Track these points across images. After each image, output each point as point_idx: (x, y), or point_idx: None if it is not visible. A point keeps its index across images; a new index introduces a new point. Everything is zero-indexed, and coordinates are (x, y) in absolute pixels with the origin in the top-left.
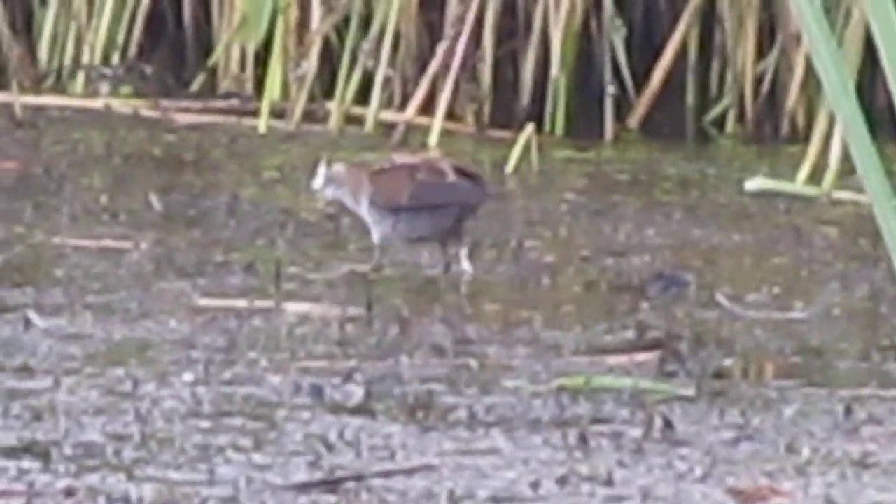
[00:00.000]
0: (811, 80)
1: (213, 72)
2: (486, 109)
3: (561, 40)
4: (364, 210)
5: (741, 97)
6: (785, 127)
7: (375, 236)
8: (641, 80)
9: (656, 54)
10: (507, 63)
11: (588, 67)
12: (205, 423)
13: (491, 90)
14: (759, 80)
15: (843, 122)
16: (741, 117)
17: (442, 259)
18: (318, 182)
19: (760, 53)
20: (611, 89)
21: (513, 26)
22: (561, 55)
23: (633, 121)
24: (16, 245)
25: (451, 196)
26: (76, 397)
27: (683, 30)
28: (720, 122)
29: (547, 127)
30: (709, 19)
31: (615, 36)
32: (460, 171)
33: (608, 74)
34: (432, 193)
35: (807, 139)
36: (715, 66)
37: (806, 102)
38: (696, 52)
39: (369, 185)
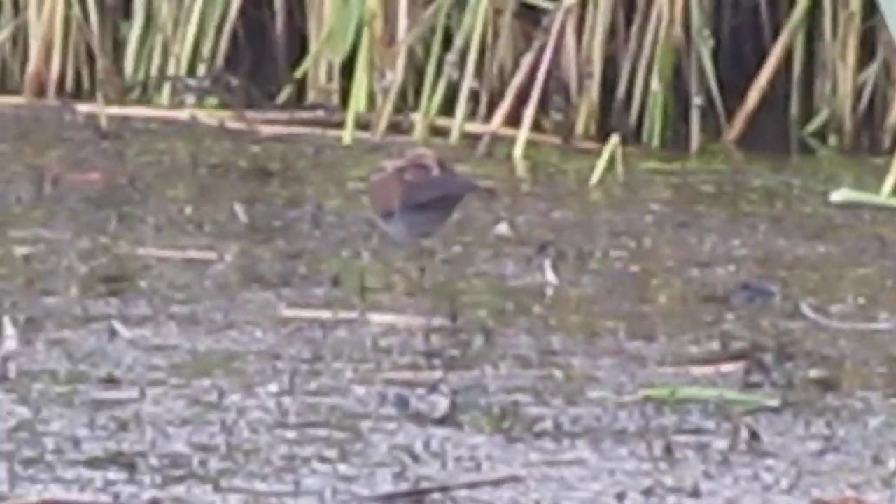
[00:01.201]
0: None
1: (299, 83)
2: (577, 121)
3: (660, 54)
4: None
5: (841, 110)
6: (886, 140)
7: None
8: (731, 92)
9: (745, 66)
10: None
11: (677, 80)
12: (290, 434)
13: (579, 102)
14: (859, 93)
15: None
16: (840, 130)
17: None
18: None
19: (862, 65)
20: (697, 101)
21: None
22: (659, 68)
23: (731, 133)
24: (100, 256)
25: (439, 190)
26: (161, 408)
27: (785, 41)
28: (821, 135)
29: (645, 138)
30: (810, 32)
31: (703, 48)
32: (443, 164)
33: (695, 86)
34: (421, 192)
35: (893, 151)
36: (816, 78)
37: None
38: (801, 64)
39: (370, 195)
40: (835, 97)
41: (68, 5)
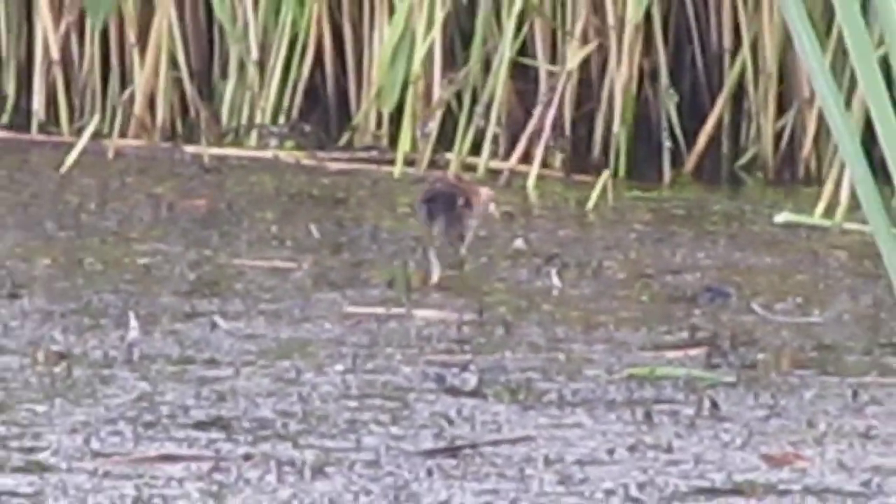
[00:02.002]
0: (821, 135)
1: (356, 130)
2: (570, 159)
3: (621, 105)
4: None
5: (765, 150)
6: (800, 172)
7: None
8: (690, 136)
9: (701, 115)
10: (585, 123)
11: (650, 126)
12: (352, 403)
13: (572, 145)
14: (778, 136)
15: (850, 169)
16: (764, 165)
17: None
18: None
19: (780, 114)
20: (667, 143)
21: (589, 94)
22: (622, 115)
23: (687, 167)
24: (205, 265)
25: (431, 192)
26: (252, 383)
27: (724, 97)
28: (749, 168)
29: (616, 173)
30: (739, 90)
31: (669, 102)
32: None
33: (664, 132)
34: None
35: (819, 182)
36: (745, 125)
37: (816, 153)
38: (730, 115)
39: None
40: (759, 140)
41: (175, 67)
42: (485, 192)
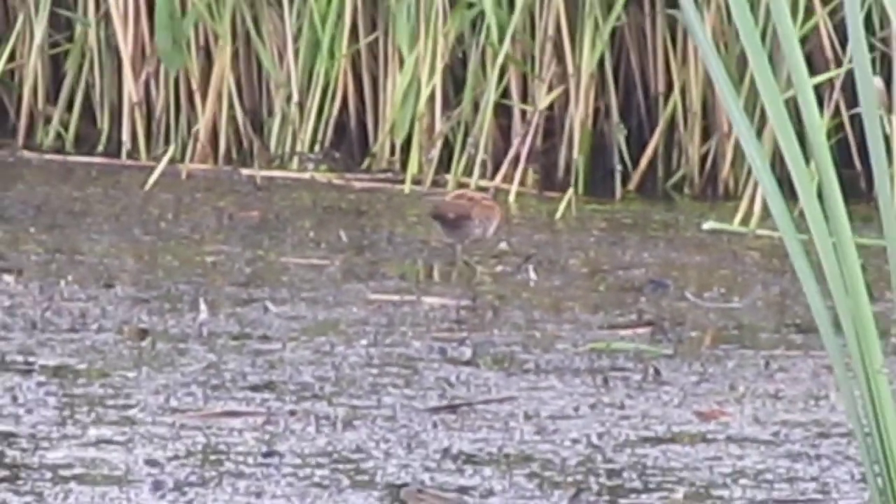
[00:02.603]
0: (737, 160)
1: (375, 156)
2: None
3: (579, 137)
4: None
5: (691, 171)
6: (720, 190)
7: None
8: (635, 161)
9: (642, 145)
10: (554, 151)
11: (604, 153)
12: (374, 371)
13: (543, 168)
14: (703, 161)
15: (763, 186)
16: (691, 184)
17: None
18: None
19: (704, 143)
20: (618, 167)
21: (555, 128)
22: (580, 145)
23: (632, 186)
24: (258, 262)
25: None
26: (296, 355)
27: (660, 130)
28: (679, 187)
29: (577, 191)
30: (672, 125)
31: (619, 134)
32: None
33: (616, 158)
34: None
35: (737, 197)
36: (676, 152)
37: (733, 174)
38: (664, 144)
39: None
40: (687, 163)
41: (232, 107)
42: (497, 210)
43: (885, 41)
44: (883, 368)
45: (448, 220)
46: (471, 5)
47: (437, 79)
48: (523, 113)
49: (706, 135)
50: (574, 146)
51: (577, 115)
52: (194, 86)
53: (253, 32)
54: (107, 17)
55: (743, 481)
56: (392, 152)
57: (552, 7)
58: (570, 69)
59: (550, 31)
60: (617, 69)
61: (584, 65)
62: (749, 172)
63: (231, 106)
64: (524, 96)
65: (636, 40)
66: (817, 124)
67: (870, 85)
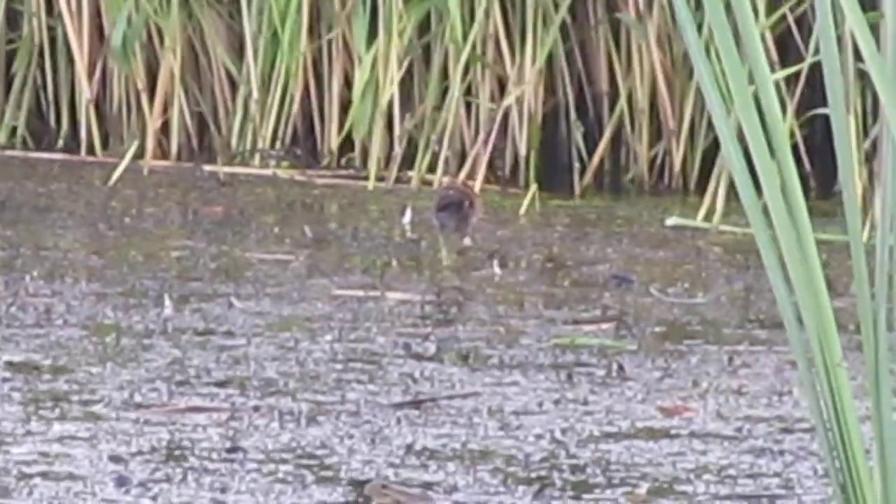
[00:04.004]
0: (687, 158)
1: (336, 154)
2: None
3: (528, 134)
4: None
5: (641, 169)
6: (672, 185)
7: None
8: (588, 159)
9: (594, 143)
10: (514, 148)
11: (563, 150)
12: (338, 366)
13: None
14: (652, 161)
15: (737, 178)
16: (642, 181)
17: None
18: (406, 219)
19: (652, 144)
20: (578, 165)
21: (518, 126)
22: (529, 142)
23: (587, 182)
24: (223, 257)
25: (444, 199)
26: (260, 350)
27: (610, 129)
28: (630, 184)
29: (541, 187)
30: (621, 125)
31: (577, 133)
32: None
33: (574, 155)
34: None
35: (702, 194)
36: (625, 152)
37: (684, 172)
38: (611, 145)
39: None
40: (636, 164)
41: (198, 105)
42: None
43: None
44: (843, 362)
45: (456, 210)
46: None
47: (397, 74)
48: (487, 110)
49: (657, 133)
50: (532, 144)
51: (535, 112)
52: (142, 85)
53: (210, 30)
54: (59, 15)
55: (706, 477)
56: (353, 149)
57: (493, 6)
58: (517, 67)
59: (500, 29)
60: (571, 71)
61: (538, 62)
62: (710, 170)
63: (198, 103)
64: (489, 94)
65: (582, 38)
66: (778, 117)
67: (838, 81)
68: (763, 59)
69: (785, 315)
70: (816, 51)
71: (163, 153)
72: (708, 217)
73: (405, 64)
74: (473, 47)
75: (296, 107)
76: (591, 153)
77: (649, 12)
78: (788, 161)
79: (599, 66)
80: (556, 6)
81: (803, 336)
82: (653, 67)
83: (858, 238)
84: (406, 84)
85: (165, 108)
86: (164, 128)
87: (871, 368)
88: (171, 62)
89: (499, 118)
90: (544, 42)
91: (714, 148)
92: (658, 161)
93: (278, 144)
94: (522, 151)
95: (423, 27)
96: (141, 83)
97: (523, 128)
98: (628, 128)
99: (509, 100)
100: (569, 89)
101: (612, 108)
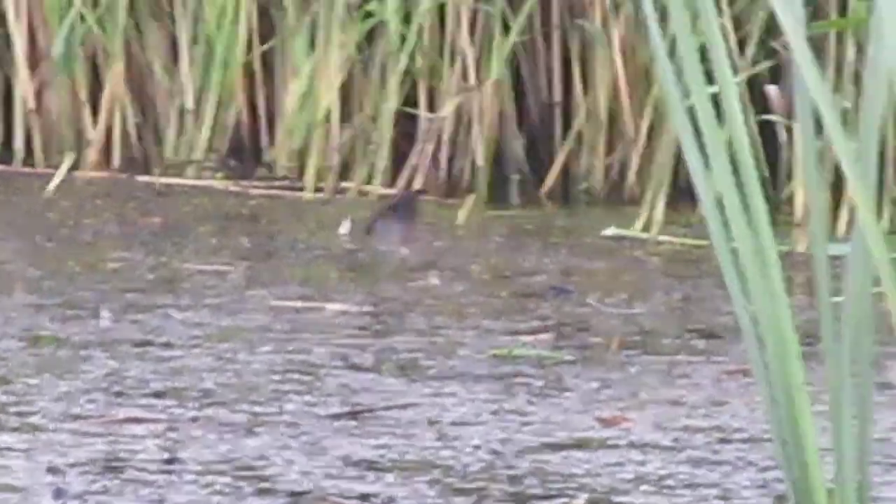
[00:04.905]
0: (643, 169)
1: (272, 164)
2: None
3: (483, 145)
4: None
5: (596, 180)
6: (625, 197)
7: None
8: (542, 168)
9: (551, 153)
10: (458, 158)
11: (504, 162)
12: (276, 377)
13: (447, 175)
14: (607, 171)
15: (700, 189)
16: (597, 192)
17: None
18: (343, 230)
19: (608, 153)
20: (515, 177)
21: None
22: (484, 154)
23: (543, 192)
24: (161, 269)
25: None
26: (199, 361)
27: (571, 139)
28: (586, 194)
29: (479, 198)
30: (580, 136)
31: (516, 143)
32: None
33: (513, 166)
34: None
35: (638, 204)
36: (584, 160)
37: (640, 183)
38: (565, 153)
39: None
40: (591, 174)
41: (137, 115)
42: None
43: (779, 50)
44: (803, 385)
45: (399, 217)
46: (369, 15)
47: (335, 86)
48: (425, 120)
49: (613, 144)
50: (477, 154)
51: (484, 123)
52: (84, 95)
53: (148, 40)
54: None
55: (644, 487)
56: (290, 159)
57: (453, 16)
58: (473, 77)
59: (451, 39)
60: (531, 79)
61: (492, 73)
62: (650, 180)
63: (136, 114)
64: (428, 104)
65: (541, 48)
66: (740, 126)
67: (806, 91)
68: (725, 63)
69: (744, 329)
70: (767, 57)
71: (101, 164)
72: (646, 227)
73: (344, 75)
74: (412, 58)
75: (232, 117)
76: (544, 165)
77: (615, 19)
78: (749, 169)
79: (554, 76)
80: (505, 19)
81: (761, 350)
82: (615, 76)
83: (822, 249)
84: (346, 95)
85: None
86: (102, 138)
87: (833, 384)
88: (115, 72)
89: (435, 129)
90: (500, 50)
91: (674, 159)
92: (614, 171)
93: (213, 156)
94: (465, 162)
95: (368, 37)
96: (84, 93)
97: (471, 138)
98: (588, 136)
99: (446, 110)
100: (507, 99)
101: (568, 118)
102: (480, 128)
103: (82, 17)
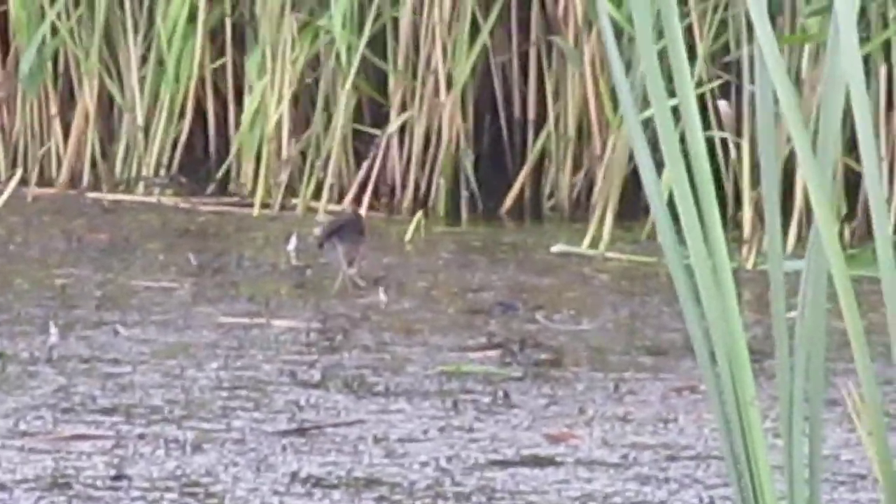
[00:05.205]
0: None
1: (221, 182)
2: (394, 202)
3: (441, 162)
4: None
5: (562, 198)
6: (597, 213)
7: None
8: (496, 184)
9: (504, 170)
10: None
11: (460, 178)
12: (224, 394)
13: (394, 190)
14: (572, 189)
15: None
16: (563, 209)
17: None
18: (290, 246)
19: (574, 172)
20: (465, 193)
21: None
22: (442, 168)
23: (504, 209)
24: (108, 285)
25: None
26: (146, 378)
27: (531, 160)
28: (551, 210)
29: (427, 214)
30: (544, 153)
31: (466, 160)
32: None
33: (463, 183)
34: (328, 226)
35: (582, 220)
36: (550, 177)
37: (603, 201)
38: (532, 175)
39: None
40: (558, 189)
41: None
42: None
43: (728, 67)
44: (754, 400)
45: (346, 235)
46: (318, 33)
47: (286, 103)
48: (373, 137)
49: (579, 162)
50: (426, 169)
51: (450, 140)
52: (54, 111)
53: (95, 57)
54: None
55: None
56: (239, 176)
57: (401, 31)
58: (429, 92)
59: (401, 57)
60: (492, 94)
61: (454, 87)
62: (592, 195)
63: (84, 130)
64: (378, 121)
65: (503, 65)
66: (700, 142)
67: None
68: (687, 75)
69: (696, 347)
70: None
71: (48, 179)
72: (594, 244)
73: (294, 91)
74: (360, 73)
75: (182, 134)
76: (508, 182)
77: (587, 36)
78: (708, 185)
79: (529, 94)
80: (477, 31)
81: (715, 369)
82: (585, 93)
83: (778, 265)
84: (296, 112)
85: (48, 136)
86: (48, 154)
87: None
88: (86, 95)
89: (384, 145)
90: (460, 68)
91: (634, 178)
92: (577, 190)
93: (162, 172)
94: (412, 178)
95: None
96: (54, 109)
97: (429, 156)
98: (554, 155)
99: (393, 126)
100: (467, 115)
101: (536, 134)
102: (438, 144)
103: (53, 31)
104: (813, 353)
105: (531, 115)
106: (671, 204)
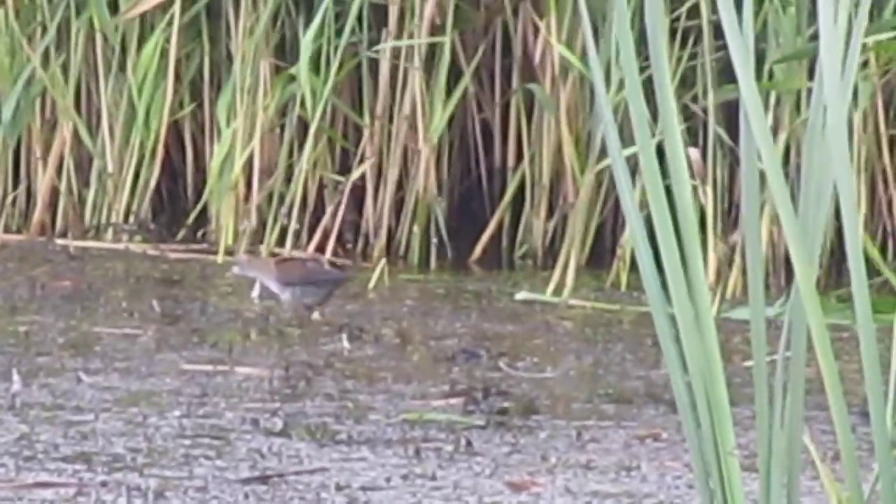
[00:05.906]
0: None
1: (190, 228)
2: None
3: (418, 212)
4: (272, 285)
5: (535, 244)
6: (561, 260)
7: (282, 301)
8: (470, 230)
9: (475, 217)
10: (366, 221)
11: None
12: (187, 441)
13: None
14: (544, 236)
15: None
16: (535, 256)
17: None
18: (254, 293)
19: (549, 218)
20: (435, 240)
21: (372, 199)
22: (413, 216)
23: (474, 257)
24: (71, 332)
25: (328, 276)
26: (108, 426)
27: (502, 208)
28: (526, 257)
29: (391, 262)
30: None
31: (438, 208)
32: (332, 264)
33: (432, 231)
34: (316, 274)
35: (553, 267)
36: (522, 227)
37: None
38: (510, 220)
39: (275, 269)
40: (531, 235)
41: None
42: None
43: (692, 114)
44: (735, 451)
45: (327, 288)
46: (293, 78)
47: (256, 149)
48: (337, 184)
49: (552, 208)
50: (398, 217)
51: (427, 188)
52: (39, 153)
53: (63, 104)
54: None
55: None
56: (205, 223)
57: (379, 80)
58: (395, 143)
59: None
60: (465, 144)
61: (431, 138)
62: (553, 244)
63: (58, 175)
64: (343, 167)
65: (482, 113)
66: (686, 185)
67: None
68: (674, 115)
69: (678, 396)
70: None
71: (17, 226)
72: (557, 291)
73: (262, 138)
74: (324, 117)
75: (152, 181)
76: (466, 226)
77: (563, 84)
78: (693, 230)
79: (510, 141)
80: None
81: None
82: (560, 140)
83: (760, 313)
84: (265, 158)
85: (18, 183)
86: (16, 201)
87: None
88: (63, 133)
89: (347, 192)
90: (438, 116)
91: (610, 224)
92: (548, 237)
93: (131, 219)
94: (376, 225)
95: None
96: (40, 150)
97: (406, 204)
98: (528, 201)
99: (357, 173)
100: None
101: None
102: (412, 191)
103: (33, 76)
104: (793, 398)
105: (509, 161)
106: (656, 256)
